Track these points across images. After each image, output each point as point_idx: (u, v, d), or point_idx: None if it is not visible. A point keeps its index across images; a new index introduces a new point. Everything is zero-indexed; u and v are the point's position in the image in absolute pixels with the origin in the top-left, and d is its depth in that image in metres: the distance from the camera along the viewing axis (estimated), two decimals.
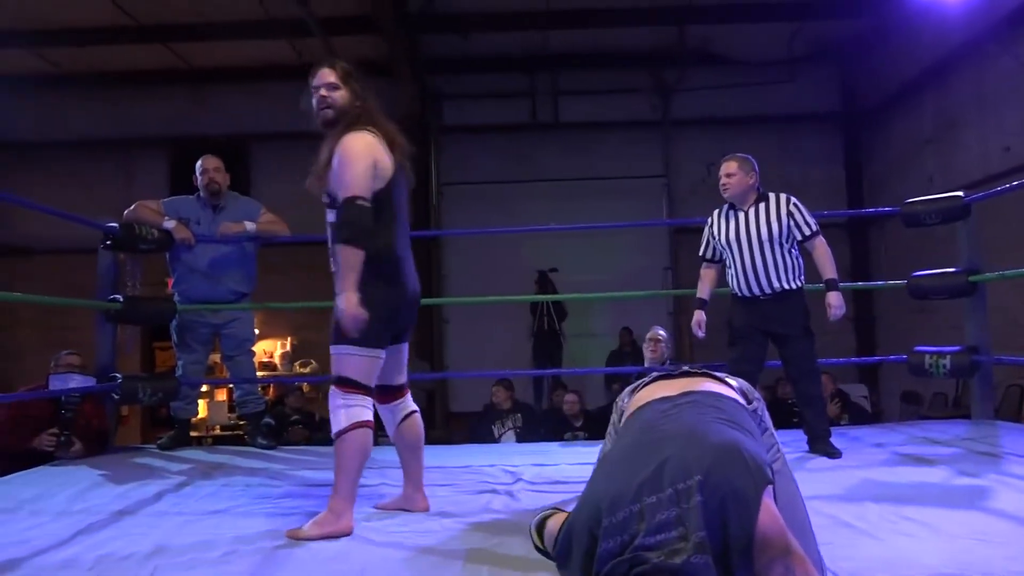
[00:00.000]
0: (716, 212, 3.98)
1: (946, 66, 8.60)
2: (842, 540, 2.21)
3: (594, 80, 10.65)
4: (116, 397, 4.21)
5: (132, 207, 4.41)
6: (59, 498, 3.04)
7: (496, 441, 6.06)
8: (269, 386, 8.67)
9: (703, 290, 4.05)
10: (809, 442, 3.77)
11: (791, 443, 3.82)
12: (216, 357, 6.58)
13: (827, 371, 5.81)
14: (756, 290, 3.78)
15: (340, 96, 2.67)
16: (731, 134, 9.93)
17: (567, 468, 3.52)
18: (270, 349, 10.26)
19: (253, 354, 4.73)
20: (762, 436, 1.90)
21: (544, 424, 6.50)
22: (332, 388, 2.58)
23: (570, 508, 1.82)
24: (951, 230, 4.62)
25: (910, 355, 4.55)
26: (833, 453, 3.62)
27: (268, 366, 10.00)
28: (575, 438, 5.84)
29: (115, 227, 4.24)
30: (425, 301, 3.35)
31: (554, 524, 1.90)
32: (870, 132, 10.56)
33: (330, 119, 2.67)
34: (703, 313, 4.01)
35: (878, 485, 2.94)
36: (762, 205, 3.81)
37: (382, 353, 2.64)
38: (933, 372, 4.40)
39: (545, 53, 10.44)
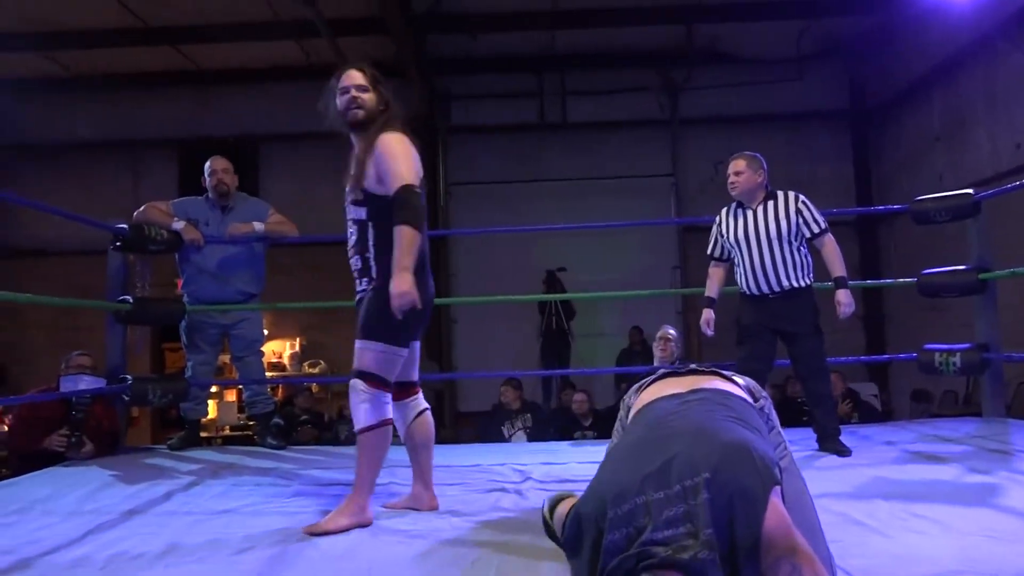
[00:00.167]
0: (724, 210, 3.98)
1: (955, 63, 8.56)
2: (852, 538, 2.21)
3: (602, 80, 10.65)
4: (126, 398, 4.23)
5: (141, 208, 4.43)
6: (70, 498, 3.06)
7: (506, 441, 6.06)
8: (278, 386, 8.70)
9: (711, 289, 4.04)
10: (819, 440, 3.76)
11: (800, 441, 3.81)
12: (225, 358, 6.61)
13: (837, 370, 5.80)
14: (765, 288, 3.77)
15: (369, 99, 2.73)
16: (739, 132, 9.92)
17: (576, 467, 3.51)
18: (279, 350, 10.30)
19: (262, 354, 4.75)
20: (769, 434, 1.90)
21: (553, 424, 6.49)
22: (355, 382, 2.60)
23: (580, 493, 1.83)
24: (961, 228, 4.60)
25: (920, 353, 4.54)
26: (843, 451, 3.61)
27: (277, 366, 10.04)
28: (584, 437, 5.84)
29: (124, 228, 4.25)
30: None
31: (564, 508, 1.90)
32: (879, 130, 10.51)
33: (360, 119, 2.72)
34: (712, 312, 4.00)
35: (888, 483, 2.93)
36: (770, 203, 3.80)
37: (405, 351, 2.71)
38: (943, 370, 4.38)
39: (552, 53, 10.46)
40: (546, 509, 2.08)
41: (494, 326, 9.85)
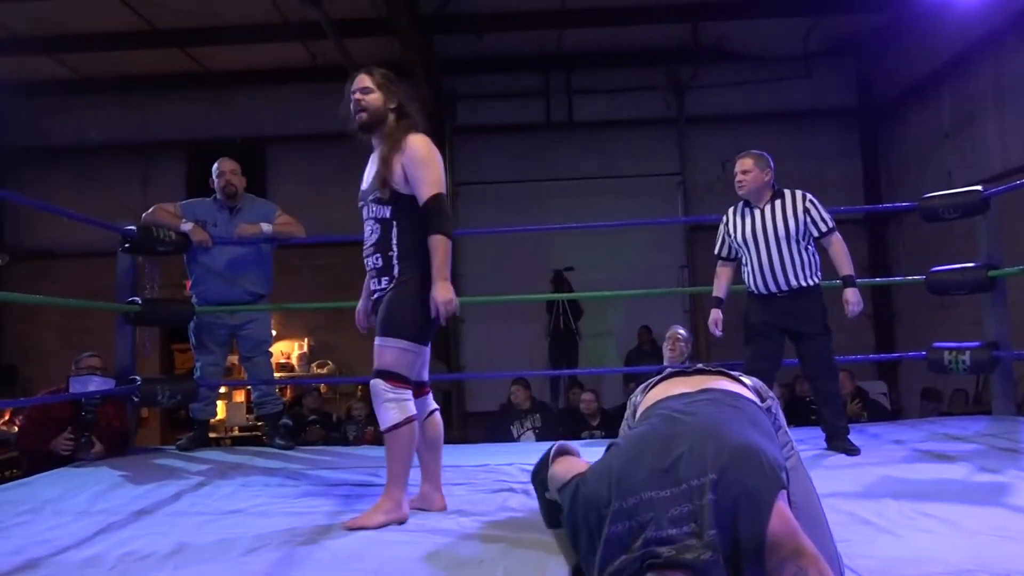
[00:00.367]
0: (731, 210, 3.97)
1: (964, 60, 8.51)
2: (861, 537, 2.20)
3: (608, 78, 10.63)
4: (136, 399, 4.25)
5: (150, 210, 4.46)
6: (81, 498, 3.08)
7: (515, 441, 6.06)
8: (286, 387, 8.71)
9: (719, 288, 4.03)
10: (827, 439, 3.75)
11: (809, 440, 3.80)
12: (234, 358, 6.63)
13: (846, 368, 5.78)
14: (773, 287, 3.76)
15: (373, 99, 2.76)
16: (746, 131, 9.90)
17: None
18: (287, 350, 10.33)
19: (270, 355, 4.76)
20: (776, 434, 1.89)
21: (561, 423, 6.49)
22: (377, 381, 2.62)
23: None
24: (970, 224, 4.58)
25: (929, 351, 4.52)
26: (851, 450, 3.60)
27: (285, 367, 10.06)
28: (592, 437, 5.83)
29: (133, 230, 4.27)
30: None
31: (563, 471, 1.87)
32: (887, 127, 10.47)
33: (363, 121, 2.76)
34: (720, 311, 3.99)
35: (897, 482, 2.92)
36: (778, 202, 3.79)
37: (427, 349, 2.76)
38: (953, 368, 4.36)
39: (559, 52, 10.45)
40: (551, 456, 2.05)
41: (501, 326, 9.85)
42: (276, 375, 6.68)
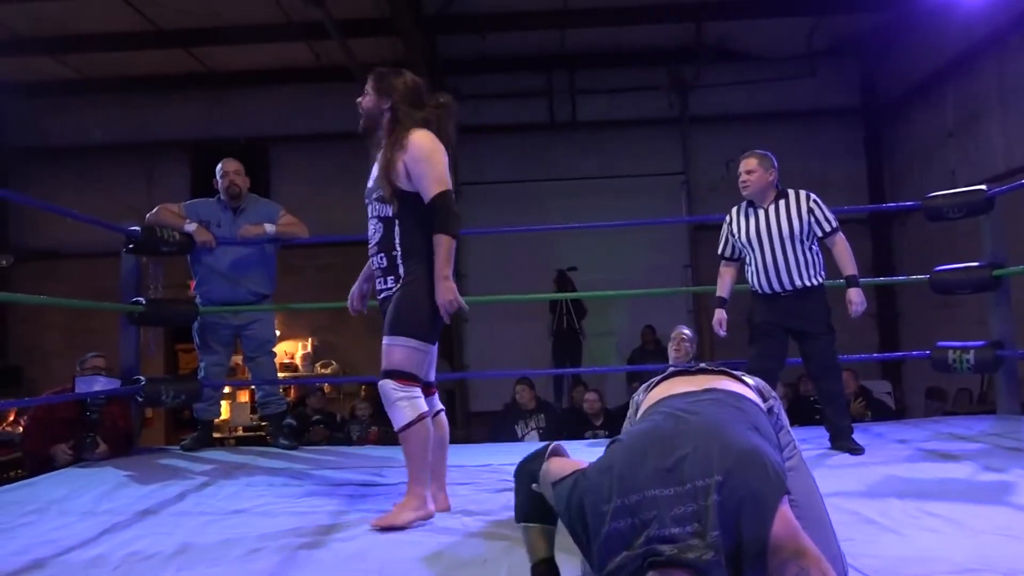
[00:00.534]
0: (735, 209, 3.96)
1: (968, 59, 8.49)
2: (865, 536, 2.20)
3: (611, 78, 10.62)
4: (140, 399, 4.26)
5: (153, 210, 4.46)
6: (85, 498, 3.09)
7: (519, 441, 6.06)
8: (290, 387, 8.73)
9: (723, 288, 4.02)
10: (831, 439, 3.75)
11: (813, 440, 3.80)
12: (238, 359, 6.64)
13: (850, 368, 5.77)
14: (777, 287, 3.76)
15: (366, 102, 2.80)
16: (750, 130, 9.87)
17: None
18: (291, 350, 10.34)
19: (274, 355, 4.76)
20: (779, 434, 1.89)
21: (564, 423, 6.49)
22: (386, 381, 2.61)
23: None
24: (974, 224, 4.57)
25: (933, 351, 4.51)
26: (855, 449, 3.60)
27: (289, 367, 10.07)
28: (596, 436, 5.83)
29: (137, 231, 4.28)
30: None
31: (558, 467, 1.83)
32: (891, 126, 10.45)
33: (361, 126, 2.82)
34: (724, 312, 3.98)
35: (902, 481, 2.92)
36: (782, 202, 3.79)
37: (435, 348, 2.77)
38: (957, 367, 4.36)
39: (562, 52, 10.44)
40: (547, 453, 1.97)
41: (505, 326, 9.85)
42: (280, 375, 6.69)
